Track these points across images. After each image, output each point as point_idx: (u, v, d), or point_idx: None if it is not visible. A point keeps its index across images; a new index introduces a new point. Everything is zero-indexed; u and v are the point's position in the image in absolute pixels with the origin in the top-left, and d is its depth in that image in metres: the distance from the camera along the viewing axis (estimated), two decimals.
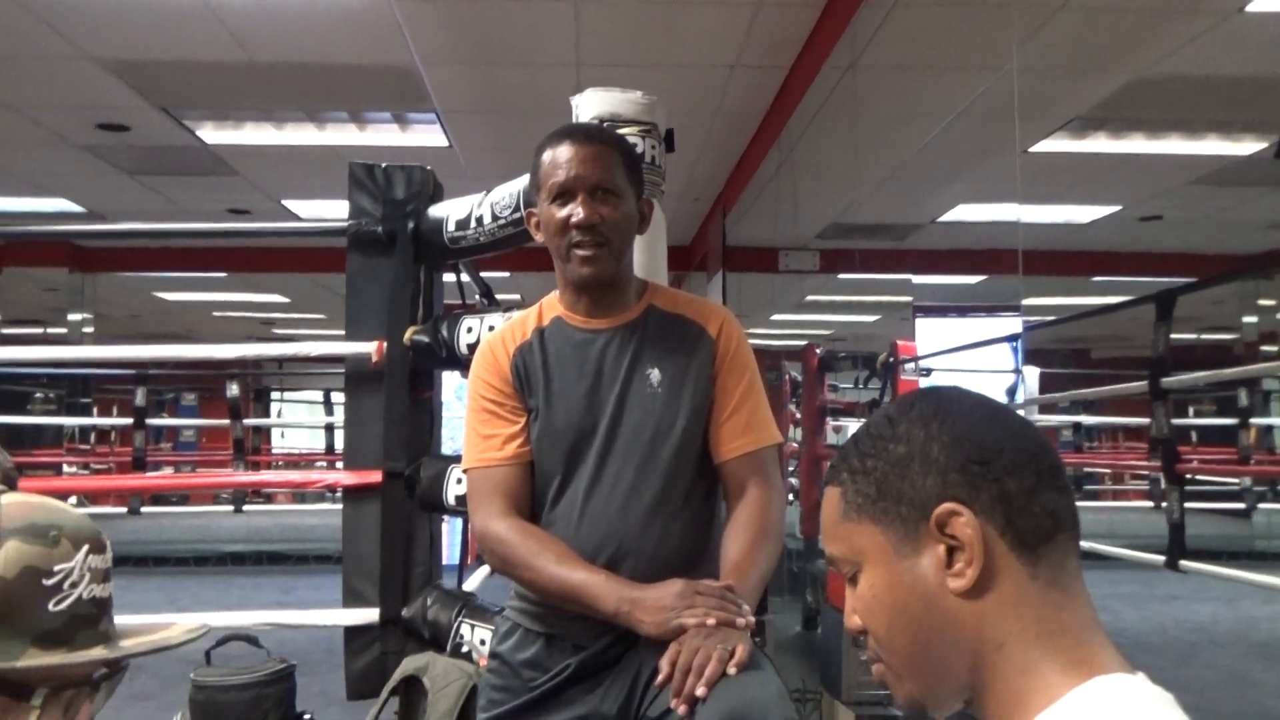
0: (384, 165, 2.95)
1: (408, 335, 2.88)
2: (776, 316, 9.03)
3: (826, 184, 6.76)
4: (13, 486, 1.65)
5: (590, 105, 2.28)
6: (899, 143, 6.02)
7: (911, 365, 6.59)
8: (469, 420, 1.75)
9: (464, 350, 2.68)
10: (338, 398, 12.76)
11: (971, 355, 6.90)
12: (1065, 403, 9.26)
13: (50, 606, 0.79)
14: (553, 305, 1.80)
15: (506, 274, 9.21)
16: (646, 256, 2.20)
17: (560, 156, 1.68)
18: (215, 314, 12.89)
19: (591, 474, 1.68)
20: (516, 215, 2.50)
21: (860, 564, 0.85)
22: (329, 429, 10.30)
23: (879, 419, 0.87)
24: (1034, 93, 5.02)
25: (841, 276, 9.04)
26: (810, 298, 9.27)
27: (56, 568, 0.81)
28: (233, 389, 8.07)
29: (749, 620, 1.52)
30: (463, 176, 6.20)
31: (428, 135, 6.20)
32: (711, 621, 1.49)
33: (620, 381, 1.70)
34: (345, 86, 5.30)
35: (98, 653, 0.81)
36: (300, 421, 14.82)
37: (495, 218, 2.62)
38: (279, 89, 5.29)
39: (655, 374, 1.71)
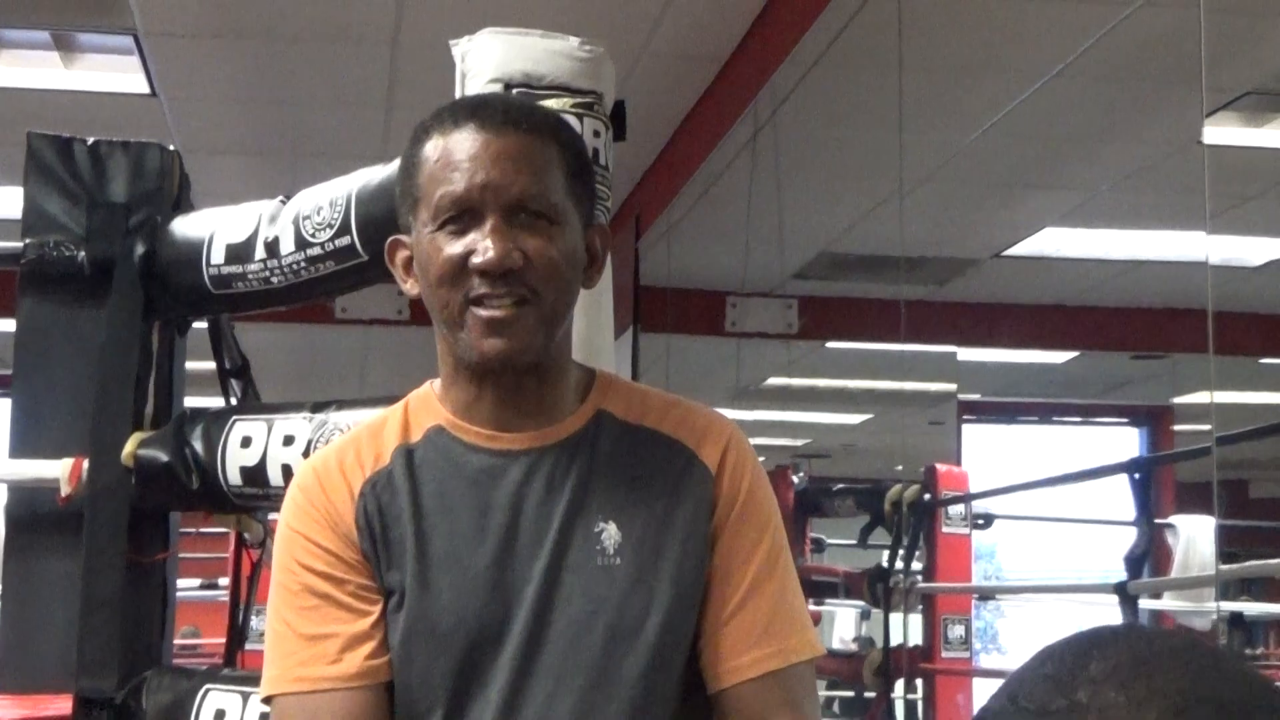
0: (93, 141, 2.42)
1: (129, 448, 2.25)
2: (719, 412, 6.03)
3: (821, 186, 5.40)
4: None
5: (489, 56, 1.63)
6: (952, 119, 4.76)
7: (959, 510, 4.76)
8: (277, 609, 1.35)
9: (234, 479, 2.15)
10: None
11: (1052, 493, 5.54)
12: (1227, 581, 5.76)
13: None
14: (430, 407, 1.38)
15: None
16: (588, 325, 1.61)
17: (457, 150, 1.24)
18: None
19: (500, 705, 1.27)
20: (344, 241, 1.98)
21: None
22: None
23: (1033, 680, 0.68)
24: (1175, 45, 3.95)
25: (833, 345, 7.09)
26: (775, 380, 7.33)
27: None
28: None
29: None
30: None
31: (113, 73, 4.61)
32: None
33: (551, 544, 1.29)
34: None
35: None
36: None
37: (304, 242, 2.05)
38: None
39: (611, 532, 1.27)
